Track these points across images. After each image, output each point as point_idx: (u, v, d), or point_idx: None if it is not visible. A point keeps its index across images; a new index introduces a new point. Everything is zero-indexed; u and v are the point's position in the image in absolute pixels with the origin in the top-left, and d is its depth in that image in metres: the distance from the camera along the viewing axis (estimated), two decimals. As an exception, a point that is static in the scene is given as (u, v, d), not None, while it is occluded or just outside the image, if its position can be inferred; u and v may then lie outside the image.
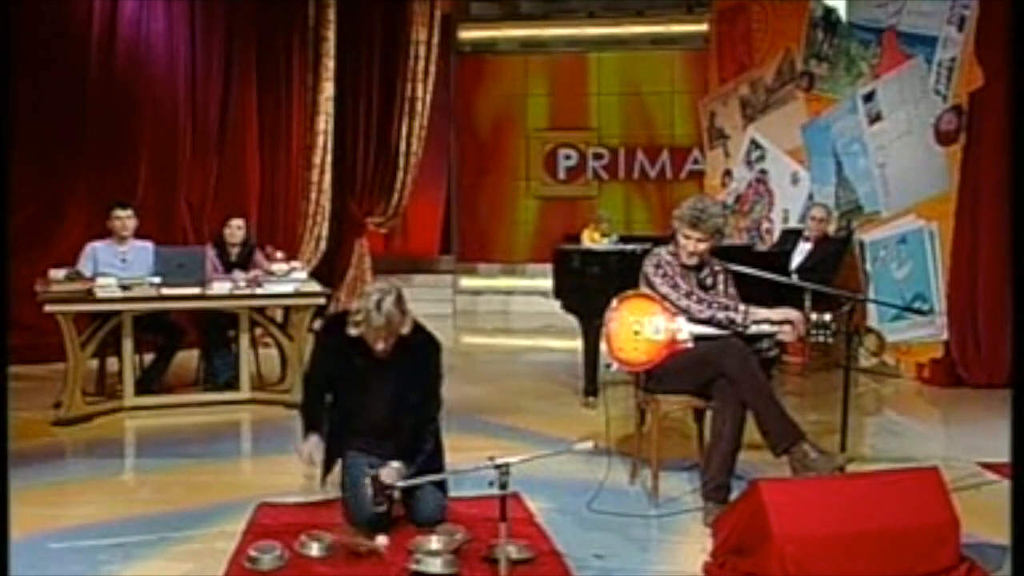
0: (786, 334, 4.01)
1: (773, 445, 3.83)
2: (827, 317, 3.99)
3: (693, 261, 4.10)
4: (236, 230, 6.50)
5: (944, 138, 6.67)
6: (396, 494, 3.56)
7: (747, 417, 3.86)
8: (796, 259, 6.82)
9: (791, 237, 7.22)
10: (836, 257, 7.02)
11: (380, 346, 3.59)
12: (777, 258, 6.39)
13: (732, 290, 4.19)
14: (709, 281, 4.17)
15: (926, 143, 6.80)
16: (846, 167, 7.47)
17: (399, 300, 3.57)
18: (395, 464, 3.59)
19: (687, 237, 4.05)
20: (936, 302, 6.69)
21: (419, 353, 3.73)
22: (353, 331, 3.59)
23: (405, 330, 3.61)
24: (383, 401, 3.72)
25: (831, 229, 7.24)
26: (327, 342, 3.82)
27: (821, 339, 3.99)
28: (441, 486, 3.76)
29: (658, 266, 4.11)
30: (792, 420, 3.86)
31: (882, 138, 7.15)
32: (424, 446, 3.70)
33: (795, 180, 7.99)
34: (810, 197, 7.78)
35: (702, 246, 4.06)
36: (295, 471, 4.43)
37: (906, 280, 6.92)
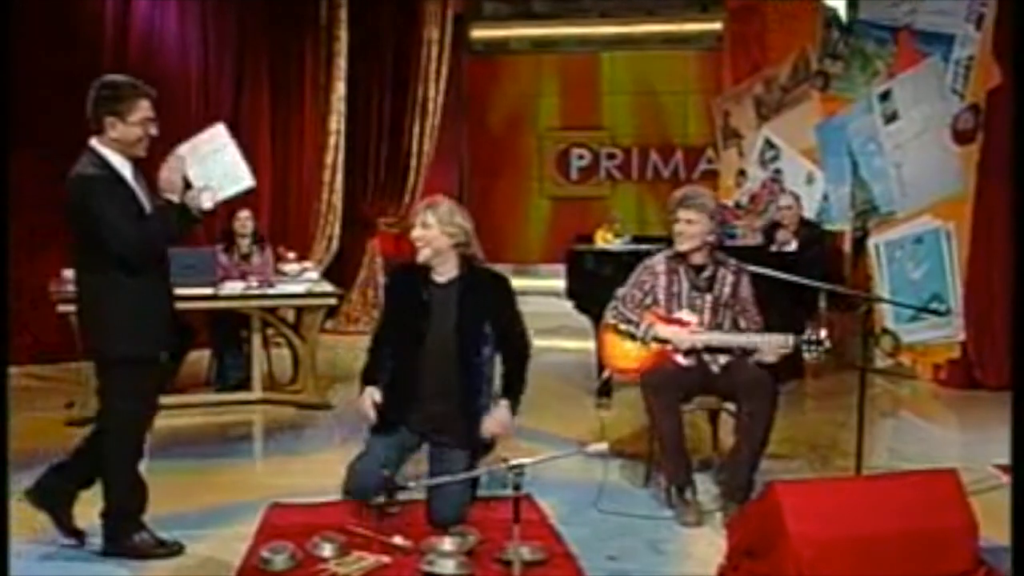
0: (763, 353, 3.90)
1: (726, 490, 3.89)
2: (822, 333, 3.87)
3: (685, 246, 3.96)
4: (246, 221, 6.53)
5: (961, 137, 6.62)
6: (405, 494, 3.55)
7: (775, 417, 3.85)
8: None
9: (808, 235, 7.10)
10: (821, 238, 6.94)
11: (417, 232, 3.60)
12: (787, 257, 6.37)
13: (744, 293, 4.05)
14: (706, 284, 4.02)
15: (942, 142, 6.75)
16: (861, 167, 7.43)
17: (464, 214, 3.73)
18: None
19: (676, 219, 3.96)
20: (953, 303, 6.65)
21: (484, 285, 3.72)
22: (421, 254, 3.62)
23: (471, 251, 3.69)
24: (447, 338, 3.62)
25: (804, 213, 7.14)
26: (393, 285, 3.87)
27: (814, 355, 3.87)
28: (474, 484, 3.72)
29: (643, 267, 4.10)
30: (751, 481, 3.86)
31: (898, 137, 7.11)
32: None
33: (809, 180, 7.95)
34: (825, 197, 7.74)
35: (693, 228, 3.93)
36: (306, 471, 4.43)
37: (922, 281, 6.87)
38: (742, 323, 4.05)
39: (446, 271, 3.72)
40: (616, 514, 3.89)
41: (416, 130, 9.59)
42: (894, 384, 6.76)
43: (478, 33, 11.15)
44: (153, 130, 3.35)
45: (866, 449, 4.08)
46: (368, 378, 3.82)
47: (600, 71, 11.12)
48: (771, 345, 3.88)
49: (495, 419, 3.73)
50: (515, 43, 11.29)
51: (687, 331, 3.98)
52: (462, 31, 10.69)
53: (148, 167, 3.48)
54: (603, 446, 3.27)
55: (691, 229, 3.94)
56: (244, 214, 6.55)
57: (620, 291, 4.16)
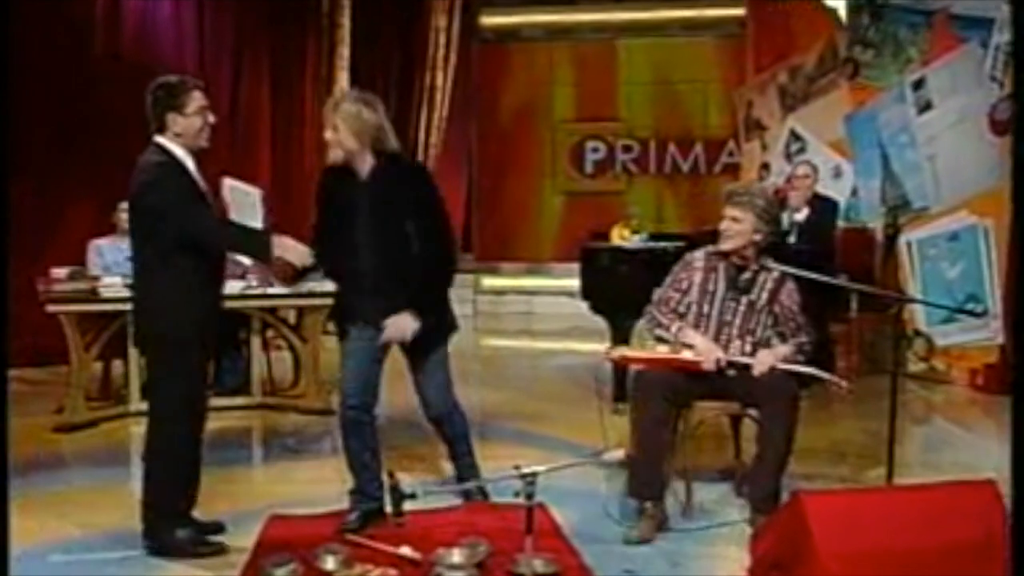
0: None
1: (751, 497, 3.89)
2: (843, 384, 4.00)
3: (727, 245, 3.91)
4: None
5: (1000, 128, 6.58)
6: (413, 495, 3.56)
7: (798, 420, 3.84)
8: (791, 237, 6.68)
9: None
10: (832, 215, 6.88)
11: (328, 135, 3.72)
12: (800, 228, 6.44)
13: (786, 302, 3.95)
14: (744, 286, 3.96)
15: (980, 133, 6.72)
16: (893, 160, 7.40)
17: (372, 104, 3.82)
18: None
19: (723, 216, 3.93)
20: (990, 303, 6.61)
21: (401, 175, 3.84)
22: (331, 155, 3.77)
23: (384, 145, 3.79)
24: (373, 234, 3.77)
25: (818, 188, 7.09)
26: (321, 187, 3.96)
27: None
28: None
29: (682, 262, 4.08)
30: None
31: (932, 128, 7.07)
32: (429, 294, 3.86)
33: (837, 174, 7.91)
34: (854, 192, 7.72)
35: (737, 226, 3.86)
36: (308, 480, 4.44)
37: (958, 280, 6.84)
38: (785, 333, 3.99)
39: (364, 167, 3.81)
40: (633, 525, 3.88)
41: (423, 122, 9.62)
42: (928, 389, 6.73)
43: (488, 20, 11.14)
44: (211, 118, 3.66)
45: (898, 458, 4.06)
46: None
47: (616, 59, 11.10)
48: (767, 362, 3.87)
49: (394, 323, 3.78)
50: (527, 30, 11.28)
51: (712, 348, 3.92)
52: (471, 18, 10.70)
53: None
54: (620, 453, 3.27)
55: (735, 227, 3.88)
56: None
57: (657, 294, 4.14)
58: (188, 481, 3.69)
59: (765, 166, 8.80)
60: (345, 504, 3.89)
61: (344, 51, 9.13)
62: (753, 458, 4.00)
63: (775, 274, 3.98)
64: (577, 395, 6.47)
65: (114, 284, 5.55)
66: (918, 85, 7.17)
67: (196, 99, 3.61)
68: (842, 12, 7.71)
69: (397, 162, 3.87)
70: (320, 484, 4.33)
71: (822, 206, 6.78)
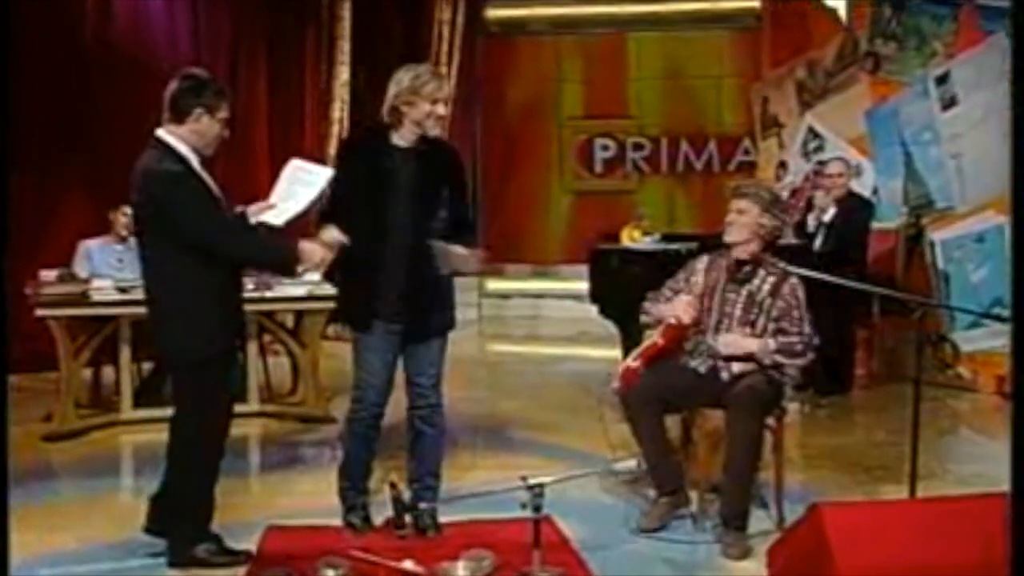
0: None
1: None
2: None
3: (731, 236, 3.96)
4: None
5: (1027, 125, 6.56)
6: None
7: (760, 437, 3.87)
8: (817, 240, 6.67)
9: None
10: (865, 214, 6.83)
11: (441, 111, 3.77)
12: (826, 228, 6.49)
13: (787, 298, 3.94)
14: (744, 277, 4.00)
15: (1007, 130, 6.68)
16: (916, 158, 7.38)
17: None
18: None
19: (728, 209, 4.00)
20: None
21: (443, 150, 3.89)
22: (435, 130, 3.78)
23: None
24: (412, 210, 3.75)
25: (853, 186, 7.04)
26: (350, 152, 4.00)
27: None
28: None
29: (688, 264, 4.18)
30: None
31: (957, 125, 7.06)
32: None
33: (857, 172, 7.88)
34: (875, 191, 7.70)
35: (742, 217, 3.92)
36: (307, 490, 4.44)
37: (984, 283, 6.82)
38: (786, 329, 3.98)
39: (406, 135, 3.81)
40: (646, 537, 3.88)
41: (425, 118, 9.62)
42: (952, 397, 6.71)
43: (493, 13, 11.15)
44: (226, 133, 3.64)
45: (921, 469, 4.05)
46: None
47: (626, 54, 11.09)
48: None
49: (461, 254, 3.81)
50: (533, 23, 11.28)
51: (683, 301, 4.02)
52: (475, 11, 10.70)
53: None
54: (632, 463, 3.28)
55: (741, 219, 3.95)
56: (239, 210, 6.56)
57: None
58: (210, 497, 3.71)
59: (782, 164, 8.78)
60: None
61: (345, 45, 9.15)
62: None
63: (777, 271, 4.01)
64: (586, 403, 6.44)
65: (105, 287, 5.56)
66: (942, 80, 7.16)
67: (225, 109, 3.58)
68: (842, 12, 7.69)
69: (430, 138, 3.87)
70: (320, 495, 4.32)
71: (853, 205, 6.74)
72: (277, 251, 3.69)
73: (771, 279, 4.00)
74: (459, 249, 3.77)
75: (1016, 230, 4.15)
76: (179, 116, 3.50)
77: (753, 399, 3.82)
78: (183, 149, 3.51)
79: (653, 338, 4.10)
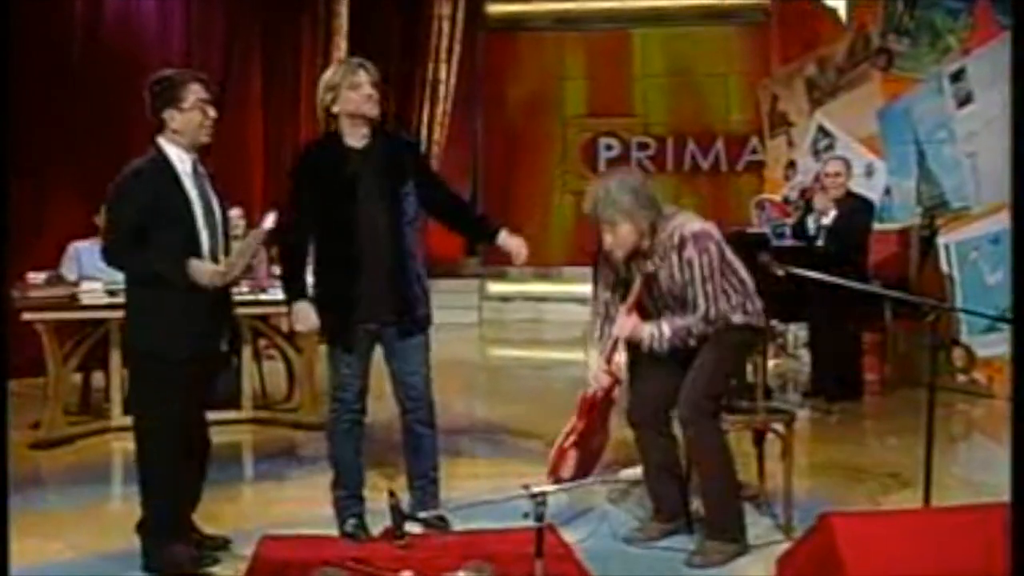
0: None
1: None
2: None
3: (619, 254, 3.82)
4: (237, 220, 6.56)
5: (1045, 123, 6.57)
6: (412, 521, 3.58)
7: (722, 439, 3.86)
8: (818, 243, 6.67)
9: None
10: (865, 215, 6.80)
11: (367, 91, 3.79)
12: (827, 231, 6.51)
13: (685, 264, 3.75)
14: (644, 254, 3.84)
15: None
16: (929, 157, 7.39)
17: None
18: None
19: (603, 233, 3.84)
20: (1035, 311, 6.59)
21: (398, 143, 3.97)
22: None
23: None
24: (378, 208, 3.80)
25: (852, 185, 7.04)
26: (306, 163, 3.98)
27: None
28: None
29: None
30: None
31: (972, 123, 7.06)
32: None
33: (869, 172, 7.91)
34: (887, 191, 7.71)
35: (619, 238, 3.76)
36: (303, 499, 4.44)
37: (999, 286, 6.82)
38: (688, 303, 3.78)
39: (358, 137, 3.86)
40: (651, 548, 3.88)
41: (425, 116, 9.63)
42: (968, 403, 6.71)
43: (494, 8, 11.18)
44: (212, 112, 3.69)
45: (935, 477, 4.04)
46: (295, 290, 3.91)
47: (631, 50, 11.12)
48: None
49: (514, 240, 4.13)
50: (536, 19, 11.31)
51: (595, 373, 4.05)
52: (476, 6, 10.73)
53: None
54: (637, 471, 3.26)
55: (618, 240, 3.79)
56: (235, 212, 6.58)
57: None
58: (178, 498, 3.70)
59: (791, 164, 8.80)
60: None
61: (341, 42, 9.16)
62: None
63: (675, 240, 3.80)
64: (590, 409, 6.46)
65: (94, 290, 5.56)
66: (957, 76, 7.16)
67: (194, 92, 3.62)
68: (842, 12, 7.70)
69: (386, 132, 3.97)
70: (315, 504, 4.32)
71: (853, 205, 6.74)
72: (169, 269, 3.57)
73: (667, 253, 3.80)
74: (514, 240, 4.10)
75: (1016, 230, 4.15)
76: (159, 124, 3.63)
77: (699, 411, 3.78)
78: (170, 149, 3.61)
79: (572, 420, 4.10)
